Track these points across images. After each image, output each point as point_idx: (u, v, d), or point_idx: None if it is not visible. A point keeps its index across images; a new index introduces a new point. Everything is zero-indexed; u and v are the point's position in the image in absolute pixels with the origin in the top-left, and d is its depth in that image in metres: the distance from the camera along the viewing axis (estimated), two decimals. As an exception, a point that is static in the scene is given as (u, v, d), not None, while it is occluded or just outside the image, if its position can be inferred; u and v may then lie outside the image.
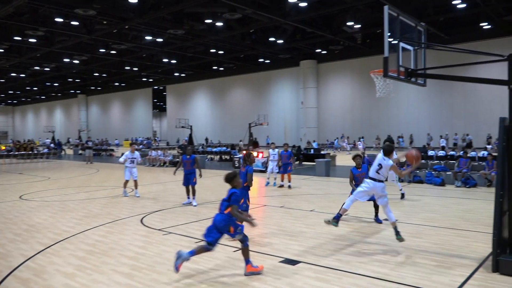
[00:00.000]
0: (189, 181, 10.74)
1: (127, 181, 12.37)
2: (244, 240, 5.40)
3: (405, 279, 5.26)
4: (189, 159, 10.79)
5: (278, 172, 14.65)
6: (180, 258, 5.33)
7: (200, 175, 10.79)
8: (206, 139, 49.90)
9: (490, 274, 5.37)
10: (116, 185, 15.45)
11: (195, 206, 10.55)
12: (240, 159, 15.12)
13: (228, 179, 5.51)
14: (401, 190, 11.57)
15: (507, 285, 4.99)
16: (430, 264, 5.80)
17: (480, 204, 10.48)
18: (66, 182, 16.57)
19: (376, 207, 8.44)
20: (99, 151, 37.41)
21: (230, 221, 5.32)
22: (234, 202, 5.30)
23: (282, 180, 14.41)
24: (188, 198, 10.90)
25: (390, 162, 6.60)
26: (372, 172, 6.69)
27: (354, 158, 8.94)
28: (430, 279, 5.23)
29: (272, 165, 14.80)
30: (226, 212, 5.31)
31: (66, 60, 42.65)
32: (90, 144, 29.77)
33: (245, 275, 5.45)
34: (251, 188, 7.77)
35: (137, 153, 12.68)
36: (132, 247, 6.86)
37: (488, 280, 5.16)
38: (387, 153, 6.66)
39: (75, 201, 11.79)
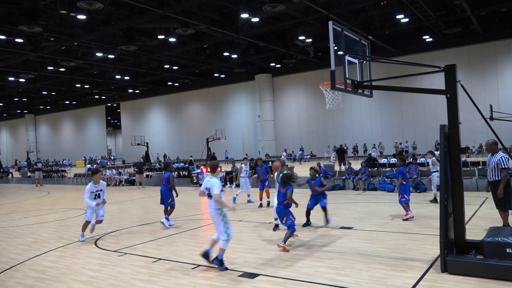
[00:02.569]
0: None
1: (87, 223, 8.91)
2: None
3: (361, 285, 5.39)
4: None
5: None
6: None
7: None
8: (165, 156, 49.09)
9: (440, 274, 5.61)
10: (68, 207, 14.84)
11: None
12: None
13: None
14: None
15: (455, 284, 5.24)
16: (384, 269, 5.98)
17: (430, 208, 10.97)
18: (13, 207, 15.69)
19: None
20: (49, 173, 35.77)
21: None
22: None
23: (261, 199, 12.80)
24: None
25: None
26: None
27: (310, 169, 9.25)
28: (384, 283, 5.39)
29: (244, 181, 13.81)
30: None
31: (11, 78, 40.75)
32: (39, 165, 28.43)
33: None
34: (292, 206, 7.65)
35: (103, 183, 9.20)
36: (86, 270, 6.60)
37: (437, 280, 5.39)
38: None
39: (23, 226, 11.18)
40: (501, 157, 7.51)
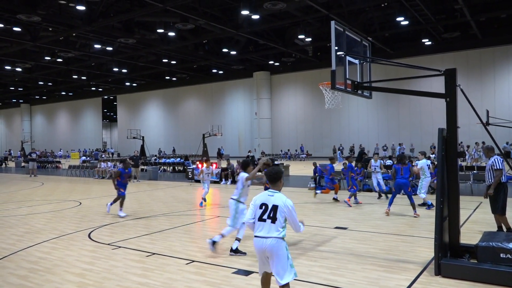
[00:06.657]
0: None
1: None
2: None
3: (354, 285, 5.40)
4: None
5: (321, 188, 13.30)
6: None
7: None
8: (174, 150, 48.96)
9: (433, 277, 5.63)
10: (62, 198, 14.76)
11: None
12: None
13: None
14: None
15: (448, 287, 5.26)
16: (378, 270, 6.00)
17: (425, 211, 11.01)
18: (7, 197, 15.58)
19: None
20: (44, 163, 35.57)
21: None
22: None
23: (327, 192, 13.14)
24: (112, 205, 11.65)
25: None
26: None
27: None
28: (378, 284, 5.41)
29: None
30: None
31: (7, 67, 40.41)
32: (34, 156, 28.23)
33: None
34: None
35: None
36: (79, 263, 6.56)
37: (431, 283, 5.41)
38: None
39: (16, 216, 11.11)
40: (494, 159, 7.63)
